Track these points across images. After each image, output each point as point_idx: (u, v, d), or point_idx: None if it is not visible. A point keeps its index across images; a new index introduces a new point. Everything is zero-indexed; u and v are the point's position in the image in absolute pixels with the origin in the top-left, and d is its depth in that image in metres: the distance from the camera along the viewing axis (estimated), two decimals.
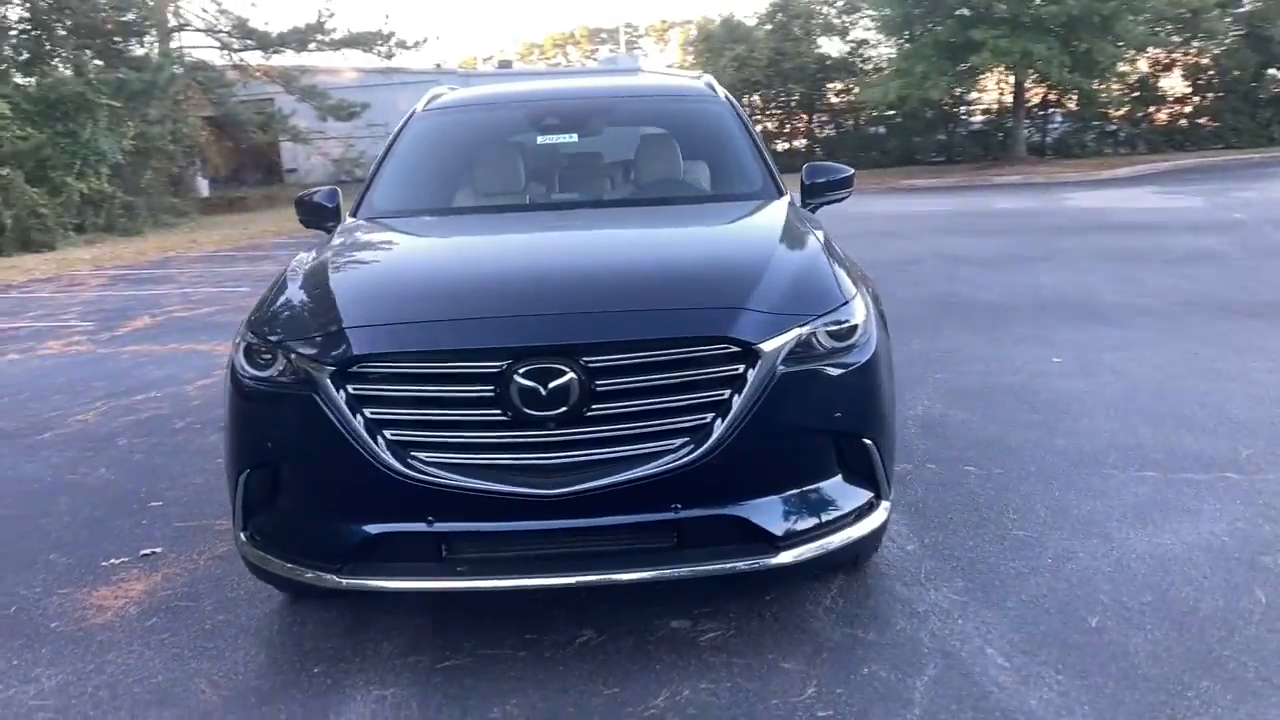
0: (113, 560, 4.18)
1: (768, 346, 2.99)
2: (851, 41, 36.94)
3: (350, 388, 2.99)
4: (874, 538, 3.33)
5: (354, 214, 4.52)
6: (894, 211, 19.08)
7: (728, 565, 3.05)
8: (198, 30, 27.69)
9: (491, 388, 2.91)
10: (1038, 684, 2.99)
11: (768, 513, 3.07)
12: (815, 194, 4.57)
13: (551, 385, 2.88)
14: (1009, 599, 3.52)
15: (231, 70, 28.02)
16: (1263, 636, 3.20)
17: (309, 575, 3.12)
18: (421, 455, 2.96)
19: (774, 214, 4.06)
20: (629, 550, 3.05)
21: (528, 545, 3.04)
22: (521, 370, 2.89)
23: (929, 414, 5.66)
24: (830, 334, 3.12)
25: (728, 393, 2.95)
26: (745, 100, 35.03)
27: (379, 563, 3.08)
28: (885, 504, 3.28)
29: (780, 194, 4.37)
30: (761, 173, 4.47)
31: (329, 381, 2.99)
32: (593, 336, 2.97)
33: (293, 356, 3.09)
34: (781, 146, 37.06)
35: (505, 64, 42.70)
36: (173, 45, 26.54)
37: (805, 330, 3.07)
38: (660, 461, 2.94)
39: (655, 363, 2.95)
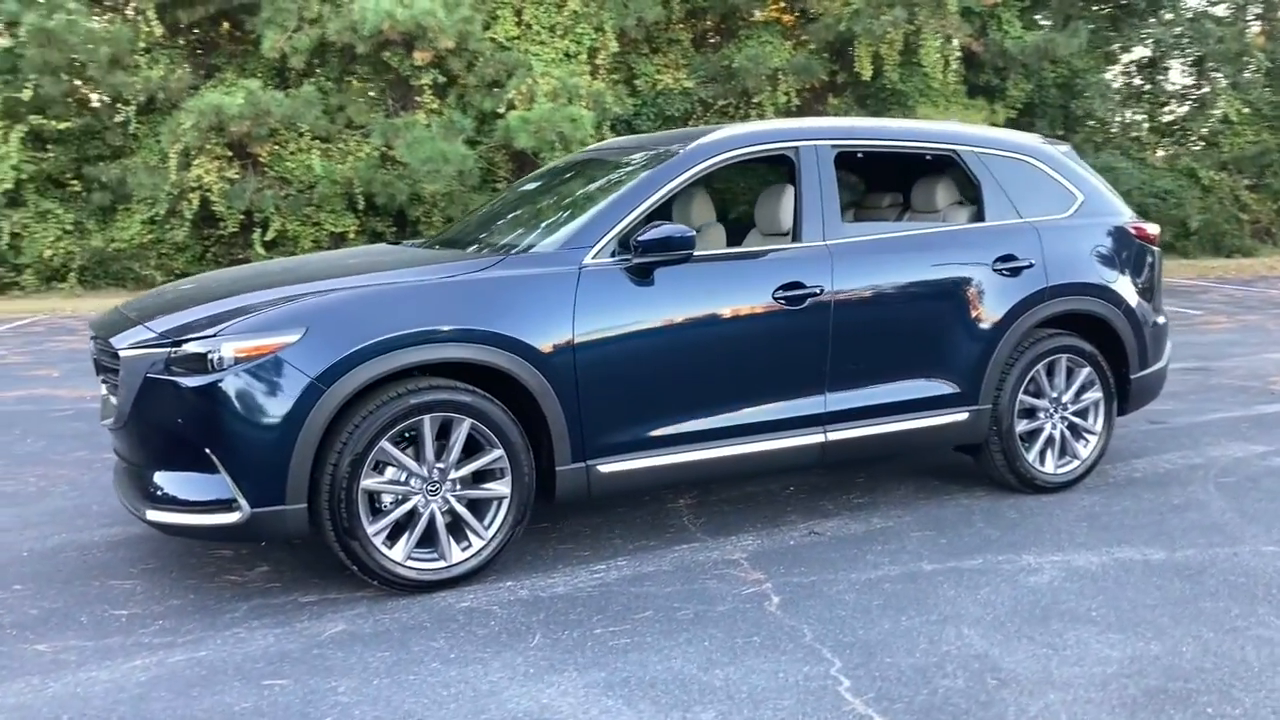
0: None
1: (125, 354, 3.97)
2: None
3: None
4: (228, 532, 3.90)
5: None
6: None
7: (140, 511, 4.05)
8: None
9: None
10: None
11: (156, 479, 3.98)
12: (644, 253, 4.29)
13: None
14: None
15: None
16: None
17: None
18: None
19: (437, 264, 4.35)
20: None
21: None
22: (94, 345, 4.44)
23: None
24: (223, 358, 3.80)
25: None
26: None
27: None
28: (241, 512, 3.81)
29: (577, 251, 4.29)
30: (576, 235, 4.34)
31: None
32: (97, 332, 4.35)
33: None
34: None
35: None
36: None
37: (183, 349, 3.84)
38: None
39: (112, 353, 4.13)
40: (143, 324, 4.07)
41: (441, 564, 4.05)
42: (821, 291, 4.55)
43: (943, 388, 4.87)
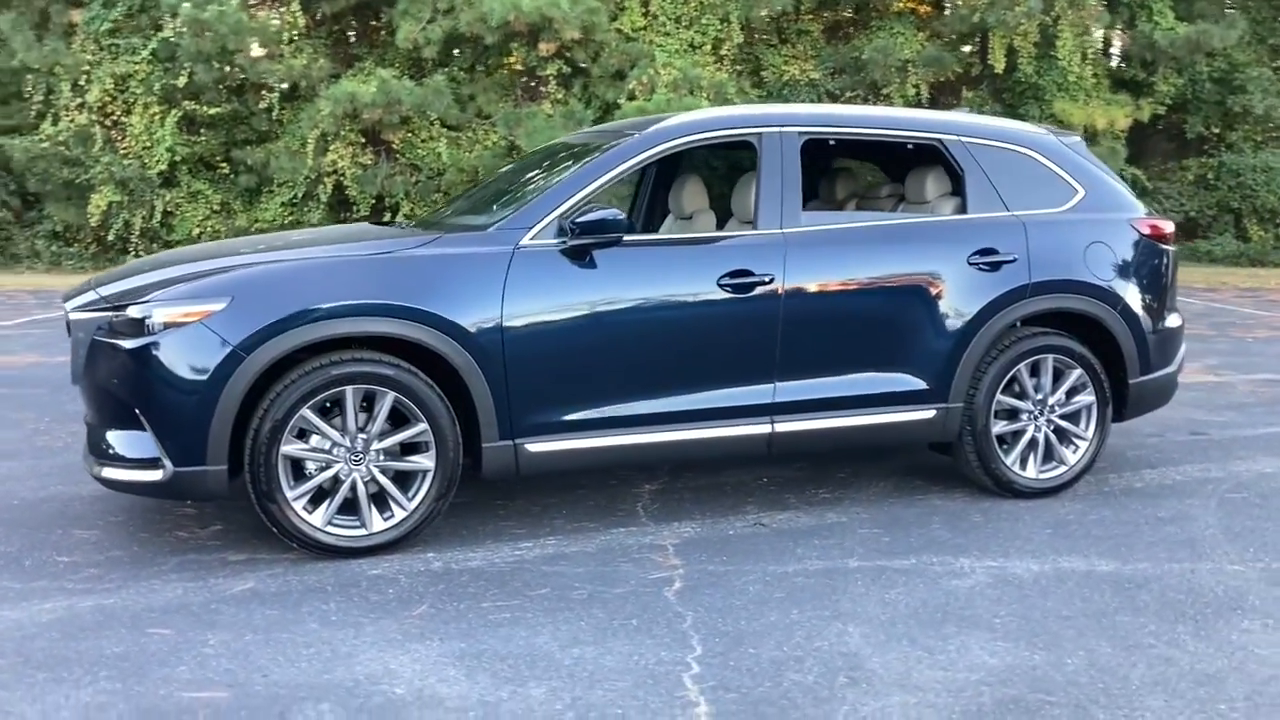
0: None
1: (74, 316, 4.23)
2: None
3: None
4: (154, 488, 4.11)
5: None
6: None
7: (93, 468, 4.29)
8: None
9: None
10: None
11: (111, 439, 4.17)
12: (578, 235, 4.30)
13: None
14: None
15: None
16: None
17: None
18: None
19: (371, 239, 4.63)
20: None
21: None
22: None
23: None
24: (154, 324, 4.02)
25: None
26: None
27: None
28: (165, 470, 4.01)
29: (514, 232, 4.32)
30: (516, 217, 4.38)
31: None
32: (64, 298, 4.54)
33: None
34: None
35: None
36: None
37: (124, 314, 4.02)
38: None
39: None
40: (94, 289, 4.31)
41: (362, 532, 4.16)
42: (771, 280, 4.46)
43: (907, 383, 4.70)
